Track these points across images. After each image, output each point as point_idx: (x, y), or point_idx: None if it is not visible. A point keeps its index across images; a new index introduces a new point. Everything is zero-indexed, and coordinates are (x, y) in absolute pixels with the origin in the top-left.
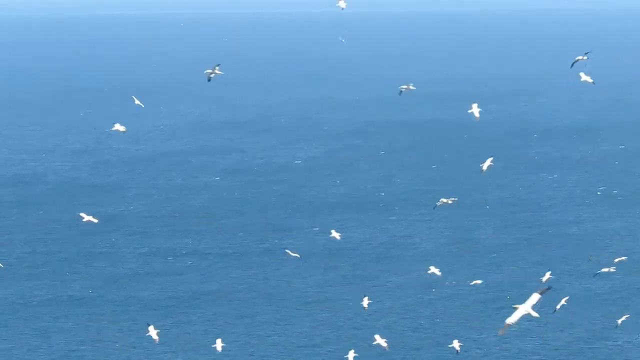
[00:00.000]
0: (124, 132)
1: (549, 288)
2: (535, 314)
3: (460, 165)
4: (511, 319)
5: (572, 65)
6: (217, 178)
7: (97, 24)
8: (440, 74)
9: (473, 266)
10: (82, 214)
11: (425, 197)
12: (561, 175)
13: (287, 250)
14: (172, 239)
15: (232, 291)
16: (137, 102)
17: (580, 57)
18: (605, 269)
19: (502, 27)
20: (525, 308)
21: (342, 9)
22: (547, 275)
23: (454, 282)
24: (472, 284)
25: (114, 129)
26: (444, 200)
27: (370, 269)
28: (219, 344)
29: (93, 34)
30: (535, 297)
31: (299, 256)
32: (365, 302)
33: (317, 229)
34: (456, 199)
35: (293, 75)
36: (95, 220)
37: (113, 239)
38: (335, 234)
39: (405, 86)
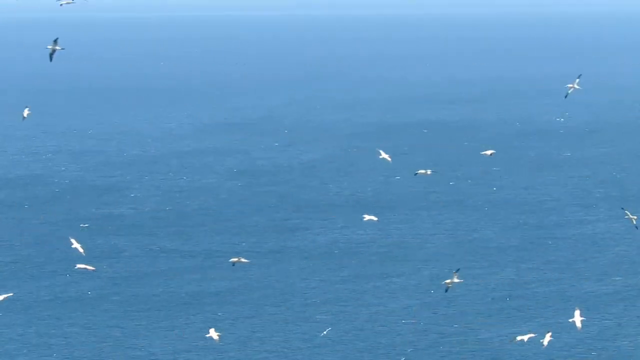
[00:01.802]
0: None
1: None
2: None
3: (463, 166)
4: None
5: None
6: (220, 179)
7: (102, 26)
8: (441, 75)
9: (476, 266)
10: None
11: (428, 199)
12: (565, 175)
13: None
14: (175, 239)
15: (234, 292)
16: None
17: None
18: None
19: (503, 29)
20: None
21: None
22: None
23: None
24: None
25: None
26: (422, 171)
27: (373, 270)
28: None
29: (99, 37)
30: None
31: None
32: None
33: (319, 229)
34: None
35: (296, 76)
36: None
37: (116, 240)
38: (369, 217)
39: (571, 85)
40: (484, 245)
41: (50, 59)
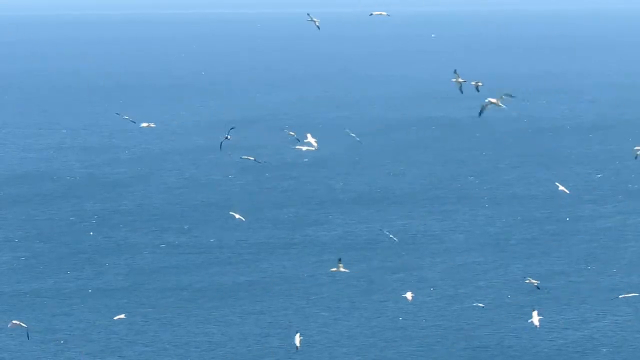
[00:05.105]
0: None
1: None
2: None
3: (467, 164)
4: None
5: None
6: (228, 175)
7: (110, 23)
8: (444, 72)
9: (485, 263)
10: (232, 213)
11: (436, 194)
12: (572, 173)
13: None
14: (183, 235)
15: (240, 288)
16: (237, 216)
17: None
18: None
19: (505, 27)
20: None
21: None
22: None
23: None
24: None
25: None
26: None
27: (381, 266)
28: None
29: (106, 34)
30: None
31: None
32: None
33: (325, 225)
34: None
35: (299, 75)
36: (243, 219)
37: (122, 236)
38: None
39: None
40: (493, 240)
41: None
